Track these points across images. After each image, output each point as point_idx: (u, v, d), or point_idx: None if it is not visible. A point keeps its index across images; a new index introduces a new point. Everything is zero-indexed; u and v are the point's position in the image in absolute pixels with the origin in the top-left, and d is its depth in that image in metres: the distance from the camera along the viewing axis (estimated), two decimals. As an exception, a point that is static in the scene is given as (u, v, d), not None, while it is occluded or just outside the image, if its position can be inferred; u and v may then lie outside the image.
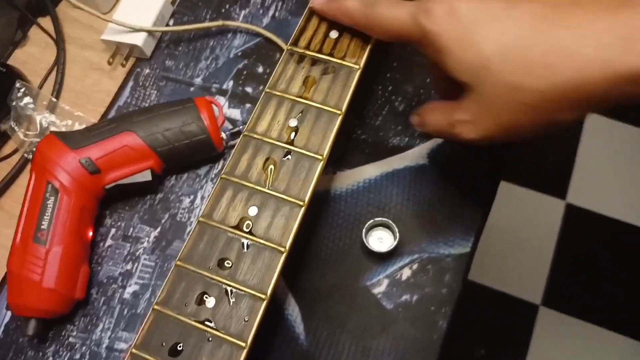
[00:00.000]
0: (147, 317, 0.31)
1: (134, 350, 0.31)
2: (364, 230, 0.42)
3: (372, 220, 0.42)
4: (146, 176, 0.43)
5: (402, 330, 0.40)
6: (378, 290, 0.41)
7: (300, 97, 0.37)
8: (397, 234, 0.41)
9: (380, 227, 0.42)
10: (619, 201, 1.23)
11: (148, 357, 0.30)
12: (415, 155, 0.45)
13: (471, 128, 0.33)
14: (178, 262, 0.33)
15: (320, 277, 0.42)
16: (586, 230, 1.22)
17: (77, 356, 0.41)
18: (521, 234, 1.21)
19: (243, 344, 0.30)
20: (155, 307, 0.32)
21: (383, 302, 0.41)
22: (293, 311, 0.41)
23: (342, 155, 0.45)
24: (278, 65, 0.38)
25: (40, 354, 0.41)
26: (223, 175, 0.35)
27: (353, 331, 0.40)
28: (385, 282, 0.42)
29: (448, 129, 0.34)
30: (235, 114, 0.49)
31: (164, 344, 0.31)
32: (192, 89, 0.50)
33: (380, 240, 0.42)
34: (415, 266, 0.42)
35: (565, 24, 0.28)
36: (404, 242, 0.42)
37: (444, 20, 0.31)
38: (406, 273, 0.42)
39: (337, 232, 0.43)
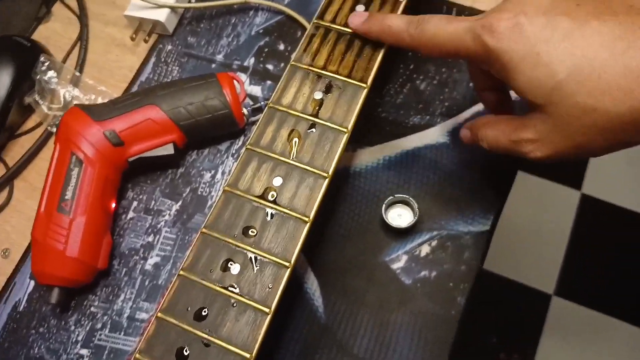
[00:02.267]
0: (172, 282, 0.32)
1: (159, 314, 0.31)
2: (383, 206, 0.42)
3: (391, 197, 0.42)
4: (169, 150, 0.43)
5: (421, 306, 0.40)
6: (397, 265, 0.42)
7: (326, 70, 0.37)
8: (417, 211, 0.41)
9: (400, 204, 0.43)
10: (633, 192, 1.22)
11: (173, 320, 0.31)
12: (436, 133, 0.45)
13: (540, 147, 0.31)
14: (204, 230, 0.33)
15: (339, 252, 0.42)
16: (601, 220, 1.21)
17: (99, 325, 0.42)
18: (536, 223, 1.21)
19: (267, 310, 0.30)
20: (181, 272, 0.32)
21: (402, 278, 0.41)
22: (312, 285, 0.41)
23: (362, 133, 0.45)
24: (304, 38, 0.38)
25: (63, 322, 0.42)
26: (248, 146, 0.35)
27: (371, 305, 0.41)
28: (404, 257, 0.42)
29: (512, 147, 0.33)
30: (256, 90, 0.49)
31: (189, 309, 0.31)
32: (213, 65, 0.50)
33: (400, 216, 0.42)
34: (434, 243, 0.42)
35: None
36: (423, 219, 0.42)
37: (509, 37, 0.30)
38: (425, 249, 0.42)
39: (356, 208, 0.44)
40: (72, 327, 0.42)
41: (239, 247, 0.32)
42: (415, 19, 0.35)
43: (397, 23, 0.35)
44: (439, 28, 0.33)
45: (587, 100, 0.28)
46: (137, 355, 0.30)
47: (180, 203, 0.45)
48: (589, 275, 1.17)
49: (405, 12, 0.38)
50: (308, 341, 0.39)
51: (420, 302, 0.40)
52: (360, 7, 0.39)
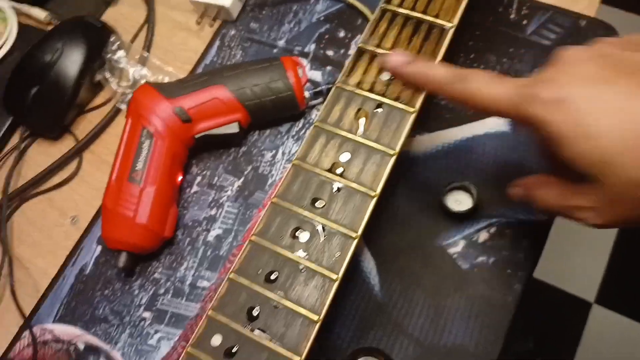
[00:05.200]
0: (244, 246, 0.33)
1: (231, 276, 0.32)
2: (444, 191, 0.42)
3: (452, 182, 0.42)
4: (233, 128, 0.45)
5: (477, 290, 0.41)
6: (454, 250, 0.42)
7: (393, 51, 0.38)
8: (476, 196, 0.42)
9: (459, 190, 0.43)
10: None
11: (245, 281, 0.32)
12: (497, 121, 0.45)
13: (595, 216, 0.31)
14: (274, 199, 0.34)
15: (397, 235, 0.43)
16: (645, 230, 1.19)
17: (162, 291, 0.43)
18: (578, 230, 1.19)
19: (335, 276, 0.31)
20: (252, 238, 0.33)
21: (459, 262, 0.42)
22: (369, 264, 0.42)
23: (422, 120, 0.46)
24: (371, 21, 0.39)
25: (127, 286, 0.44)
26: (316, 123, 0.37)
27: (427, 288, 0.41)
28: (462, 243, 0.42)
29: (566, 211, 0.33)
30: (317, 75, 0.50)
31: (259, 272, 0.32)
32: (275, 50, 0.52)
33: (458, 202, 0.43)
34: (493, 229, 0.42)
35: None
36: (483, 205, 0.42)
37: (555, 109, 0.29)
38: (483, 236, 0.42)
39: (414, 193, 0.44)
40: (136, 291, 0.44)
41: (307, 216, 0.34)
42: (461, 74, 0.34)
43: (442, 74, 0.35)
44: (483, 89, 0.33)
45: (638, 174, 0.27)
46: (210, 312, 0.32)
47: (242, 180, 0.46)
48: (631, 284, 1.15)
49: (468, 1, 0.39)
50: (364, 318, 0.40)
51: (476, 287, 0.41)
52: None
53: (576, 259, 1.17)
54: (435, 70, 0.35)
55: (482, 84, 0.33)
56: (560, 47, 0.32)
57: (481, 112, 0.34)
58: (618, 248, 1.17)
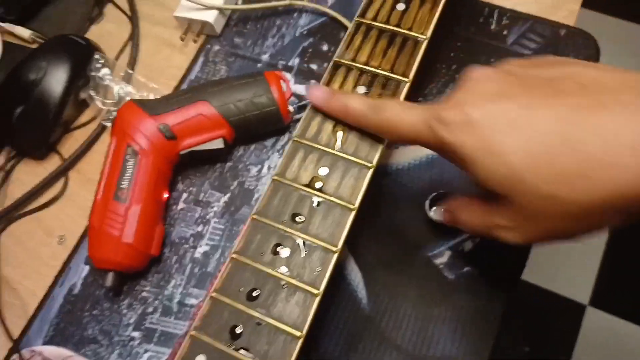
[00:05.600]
0: (225, 264, 0.33)
1: (213, 294, 0.33)
2: (427, 202, 0.43)
3: (436, 193, 0.43)
4: (218, 144, 0.45)
5: (463, 300, 0.41)
6: (440, 260, 0.42)
7: (368, 65, 0.38)
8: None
9: (443, 201, 0.43)
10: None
11: (227, 300, 0.32)
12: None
13: (512, 234, 0.31)
14: (254, 216, 0.35)
15: (382, 247, 0.43)
16: (637, 230, 1.19)
17: (150, 309, 0.44)
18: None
19: (316, 291, 0.32)
20: (233, 255, 0.34)
21: (445, 273, 0.42)
22: (355, 277, 0.42)
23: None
24: (346, 35, 0.40)
25: (115, 306, 0.44)
26: (295, 138, 0.37)
27: (414, 299, 0.41)
28: (448, 253, 0.42)
29: (486, 231, 0.32)
30: (301, 89, 0.50)
31: (241, 289, 0.32)
32: (259, 65, 0.52)
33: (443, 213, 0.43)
34: (478, 239, 0.42)
35: (594, 131, 0.26)
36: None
37: (461, 129, 0.29)
38: (469, 245, 0.42)
39: (399, 204, 0.45)
40: (125, 311, 0.44)
41: (287, 232, 0.34)
42: (374, 104, 0.34)
43: (357, 106, 0.35)
44: (396, 117, 0.33)
45: (548, 189, 0.27)
46: (193, 332, 0.32)
47: (228, 195, 0.47)
48: (625, 286, 1.15)
49: (441, 13, 0.39)
50: (352, 331, 0.40)
51: (463, 297, 0.41)
52: (401, 6, 0.40)
53: (569, 261, 1.18)
54: (353, 104, 0.35)
55: (395, 112, 0.33)
56: (468, 67, 0.32)
57: (402, 141, 0.34)
58: (610, 249, 1.18)
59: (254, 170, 0.47)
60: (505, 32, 0.49)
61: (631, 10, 1.43)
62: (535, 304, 1.15)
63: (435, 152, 0.33)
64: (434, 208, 0.43)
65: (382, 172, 0.45)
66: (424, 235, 0.43)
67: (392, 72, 0.37)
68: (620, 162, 0.25)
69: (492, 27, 0.50)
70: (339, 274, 0.42)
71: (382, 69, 0.38)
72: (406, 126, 0.32)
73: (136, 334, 0.43)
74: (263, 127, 0.47)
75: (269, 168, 0.47)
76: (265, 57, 0.52)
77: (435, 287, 0.42)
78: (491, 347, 0.40)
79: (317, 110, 0.38)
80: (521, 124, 0.28)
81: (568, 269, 1.17)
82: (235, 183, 0.47)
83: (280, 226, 0.34)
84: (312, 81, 0.38)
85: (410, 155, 0.46)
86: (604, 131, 0.26)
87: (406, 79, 0.37)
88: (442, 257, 0.42)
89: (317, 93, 0.37)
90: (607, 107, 0.26)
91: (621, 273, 1.16)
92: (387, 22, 0.40)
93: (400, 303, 0.41)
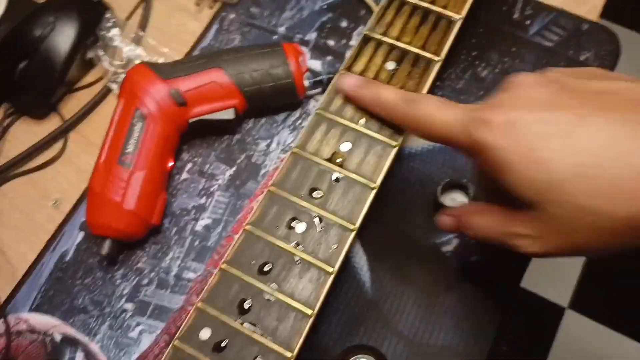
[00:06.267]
0: (238, 236, 0.32)
1: (223, 266, 0.31)
2: (439, 188, 0.42)
3: (448, 179, 0.42)
4: (229, 114, 0.44)
5: (468, 290, 0.40)
6: (447, 248, 0.41)
7: (400, 41, 0.37)
8: (472, 195, 0.41)
9: (455, 188, 0.42)
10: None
11: (237, 272, 0.31)
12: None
13: (533, 244, 0.30)
14: (271, 188, 0.33)
15: (390, 231, 0.42)
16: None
17: (145, 281, 0.42)
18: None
19: (330, 269, 0.30)
20: (247, 227, 0.32)
21: (451, 261, 0.41)
22: (360, 260, 0.41)
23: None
24: (378, 9, 0.39)
25: (109, 275, 0.43)
26: (318, 111, 0.36)
27: (419, 286, 0.40)
28: (455, 241, 0.42)
29: (502, 239, 0.31)
30: (316, 65, 0.49)
31: (253, 262, 0.31)
32: (275, 37, 0.50)
33: (453, 200, 0.42)
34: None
35: None
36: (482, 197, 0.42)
37: (505, 133, 0.28)
38: (478, 235, 0.41)
39: (410, 188, 0.44)
40: (118, 281, 0.42)
41: (304, 206, 0.33)
42: (410, 97, 0.33)
43: (390, 96, 0.34)
44: (432, 112, 0.32)
45: (588, 201, 0.26)
46: (199, 304, 0.31)
47: (234, 169, 0.45)
48: (605, 291, 1.16)
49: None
50: (354, 314, 0.39)
51: (468, 286, 0.40)
52: None
53: (551, 263, 1.18)
54: (386, 94, 0.34)
55: (432, 108, 0.32)
56: (512, 73, 0.31)
57: (432, 138, 0.32)
58: (597, 255, 1.18)
59: (262, 144, 0.46)
60: (527, 22, 0.48)
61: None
62: (515, 304, 1.16)
63: (463, 155, 0.32)
64: (445, 195, 0.42)
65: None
66: (432, 221, 0.42)
67: (424, 50, 0.36)
68: None
69: (515, 16, 0.49)
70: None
71: (413, 46, 0.36)
72: (440, 124, 0.31)
73: (129, 305, 0.41)
74: (276, 100, 0.45)
75: (278, 143, 0.46)
76: (281, 30, 0.51)
77: (441, 275, 0.41)
78: (492, 340, 0.40)
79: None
80: (571, 134, 0.27)
81: (550, 271, 1.18)
82: (243, 156, 0.46)
83: (298, 200, 0.33)
84: (343, 73, 0.36)
85: (423, 140, 0.45)
86: None
87: (438, 58, 0.36)
88: (449, 245, 0.41)
89: (348, 80, 0.36)
90: None
91: (602, 278, 1.17)
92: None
93: (403, 289, 0.40)
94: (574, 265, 1.18)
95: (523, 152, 0.28)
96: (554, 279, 1.17)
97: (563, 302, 1.15)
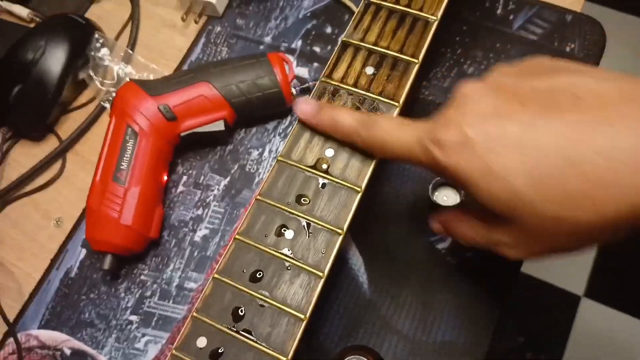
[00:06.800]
0: (228, 245, 0.33)
1: (216, 276, 0.32)
2: (430, 186, 0.42)
3: (439, 178, 0.42)
4: (219, 126, 0.44)
5: (465, 286, 0.41)
6: (442, 246, 0.42)
7: (377, 46, 0.37)
8: (463, 192, 0.41)
9: (447, 186, 0.43)
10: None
11: (230, 281, 0.32)
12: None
13: (514, 250, 0.30)
14: (258, 197, 0.34)
15: (384, 231, 0.43)
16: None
17: (148, 293, 0.43)
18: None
19: (321, 274, 0.31)
20: (237, 237, 0.33)
21: (447, 258, 0.42)
22: (357, 261, 0.42)
23: (408, 115, 0.46)
24: (355, 15, 0.39)
25: (113, 289, 0.44)
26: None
27: (416, 284, 0.41)
28: (450, 238, 0.42)
29: (488, 246, 0.32)
30: (303, 72, 0.50)
31: (244, 271, 0.32)
32: (261, 47, 0.51)
33: (446, 198, 0.43)
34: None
35: (597, 149, 0.25)
36: (471, 201, 0.42)
37: (459, 152, 0.28)
38: (471, 230, 0.42)
39: (401, 189, 0.44)
40: (122, 294, 0.43)
41: (292, 214, 0.33)
42: (365, 120, 0.33)
43: (347, 122, 0.34)
44: (388, 135, 0.32)
45: (551, 210, 0.26)
46: (195, 314, 0.31)
47: (228, 179, 0.46)
48: (619, 277, 1.16)
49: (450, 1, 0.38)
50: (353, 315, 0.40)
51: (465, 282, 0.41)
52: None
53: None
54: (342, 119, 0.34)
55: (387, 129, 0.32)
56: (459, 83, 0.31)
57: (396, 160, 0.32)
58: (607, 242, 1.18)
59: (255, 153, 0.47)
60: (511, 17, 0.49)
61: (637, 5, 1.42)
62: (531, 294, 1.15)
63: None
64: (437, 193, 0.43)
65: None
66: (426, 219, 0.43)
67: (402, 53, 0.37)
68: (627, 180, 0.25)
69: (499, 11, 0.49)
70: (340, 258, 0.42)
71: (391, 50, 0.37)
72: (398, 145, 0.31)
73: (134, 317, 0.42)
74: (265, 109, 0.46)
75: (270, 151, 0.47)
76: (267, 39, 0.51)
77: (437, 272, 0.41)
78: (492, 335, 0.40)
79: (324, 90, 0.37)
80: (521, 145, 0.27)
81: (563, 261, 1.18)
82: (236, 166, 0.46)
83: (285, 207, 0.33)
84: (300, 98, 0.36)
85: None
86: (607, 149, 0.25)
87: (416, 60, 0.36)
88: (444, 242, 0.42)
89: (303, 107, 0.35)
90: (609, 123, 0.25)
91: (616, 265, 1.17)
92: (397, 2, 0.39)
93: (401, 288, 0.41)
94: (587, 254, 1.18)
95: (480, 169, 0.28)
96: (567, 269, 1.17)
97: (578, 290, 1.15)
